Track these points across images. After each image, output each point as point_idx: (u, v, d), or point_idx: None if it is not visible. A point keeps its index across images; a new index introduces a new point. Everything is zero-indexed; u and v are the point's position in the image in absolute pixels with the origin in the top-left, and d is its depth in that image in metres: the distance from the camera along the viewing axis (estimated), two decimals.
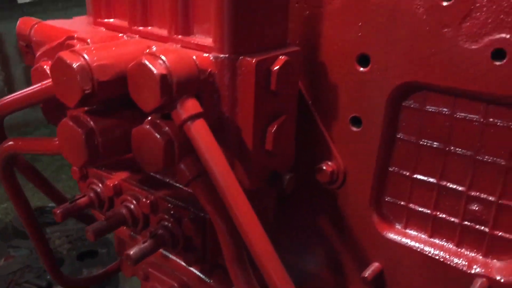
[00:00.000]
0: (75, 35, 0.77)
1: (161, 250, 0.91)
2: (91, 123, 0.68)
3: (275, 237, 0.67)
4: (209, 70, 0.69)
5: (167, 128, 0.68)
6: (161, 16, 0.76)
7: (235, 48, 0.68)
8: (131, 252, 0.72)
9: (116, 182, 0.83)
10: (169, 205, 0.77)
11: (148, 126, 0.67)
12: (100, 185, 0.85)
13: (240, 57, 0.68)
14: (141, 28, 0.77)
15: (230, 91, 0.70)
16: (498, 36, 0.62)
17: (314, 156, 0.85)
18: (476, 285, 0.72)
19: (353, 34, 0.75)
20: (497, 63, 0.63)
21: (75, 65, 0.63)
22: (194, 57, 0.68)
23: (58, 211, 0.81)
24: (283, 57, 0.70)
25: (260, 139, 0.73)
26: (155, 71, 0.63)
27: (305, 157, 0.86)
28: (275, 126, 0.73)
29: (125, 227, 0.91)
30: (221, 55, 0.68)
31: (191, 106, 0.65)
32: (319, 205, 0.88)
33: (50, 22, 0.87)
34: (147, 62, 0.63)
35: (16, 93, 0.81)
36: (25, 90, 0.79)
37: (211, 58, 0.69)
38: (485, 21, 0.63)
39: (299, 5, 0.79)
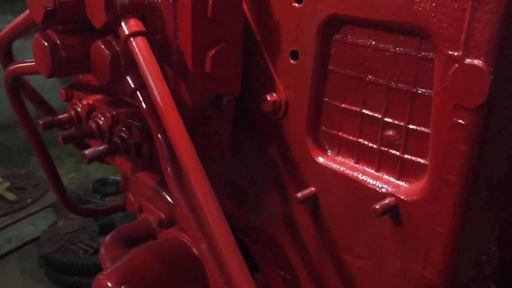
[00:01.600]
0: None
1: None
2: (57, 39, 0.82)
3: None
4: None
5: (115, 45, 0.80)
6: None
7: None
8: (86, 152, 0.85)
9: (90, 102, 0.97)
10: (125, 118, 0.90)
11: (100, 42, 0.80)
12: (79, 104, 0.99)
13: None
14: None
15: (172, 16, 0.81)
16: None
17: (262, 87, 0.94)
18: (383, 202, 0.79)
19: None
20: None
21: None
22: None
23: (40, 122, 0.96)
24: None
25: (200, 62, 0.83)
26: None
27: (254, 88, 0.95)
28: (214, 51, 0.83)
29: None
30: None
31: (134, 24, 0.77)
32: (265, 134, 0.98)
33: None
34: None
35: (11, 22, 0.97)
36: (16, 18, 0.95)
37: None
38: None
39: None
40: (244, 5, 0.92)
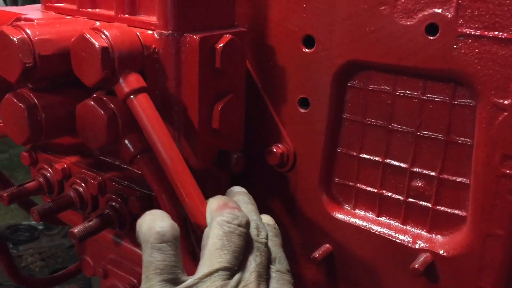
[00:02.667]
0: (23, 16, 0.77)
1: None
2: (34, 99, 0.68)
3: None
4: (154, 46, 0.69)
5: (111, 104, 0.68)
6: None
7: (179, 25, 0.69)
8: (75, 230, 0.71)
9: (65, 166, 0.82)
10: (116, 185, 0.77)
11: (91, 101, 0.68)
12: (50, 169, 0.84)
13: (184, 34, 0.69)
14: (89, 10, 0.78)
15: (175, 68, 0.70)
16: (430, 11, 0.65)
17: (266, 139, 0.86)
18: (420, 259, 0.73)
19: (298, 16, 0.77)
20: (431, 37, 0.65)
21: (16, 39, 0.64)
22: (138, 33, 0.69)
23: (4, 194, 0.80)
24: (228, 36, 0.71)
25: (206, 117, 0.73)
26: (96, 44, 0.63)
27: (257, 140, 0.87)
28: (222, 104, 0.74)
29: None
30: (165, 32, 0.69)
31: (134, 80, 0.66)
32: (271, 188, 0.89)
33: (8, 8, 0.87)
34: (88, 36, 0.64)
35: None
36: None
37: (155, 35, 0.69)
38: None
39: None
40: None
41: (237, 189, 0.67)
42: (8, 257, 1.13)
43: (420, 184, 0.75)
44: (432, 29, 0.65)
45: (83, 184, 0.79)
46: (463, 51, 0.64)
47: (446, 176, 0.72)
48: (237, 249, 0.55)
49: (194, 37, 0.68)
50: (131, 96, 0.65)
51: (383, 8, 0.68)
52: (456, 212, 0.72)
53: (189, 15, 0.70)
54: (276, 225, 0.67)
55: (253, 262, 0.56)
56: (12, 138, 0.70)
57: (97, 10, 0.78)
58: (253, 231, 0.59)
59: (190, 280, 0.53)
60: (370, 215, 0.81)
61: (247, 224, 0.58)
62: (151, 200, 0.74)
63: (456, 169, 0.71)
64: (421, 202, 0.75)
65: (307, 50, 0.77)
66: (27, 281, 1.27)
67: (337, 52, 0.74)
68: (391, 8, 0.68)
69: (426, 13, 0.65)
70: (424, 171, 0.74)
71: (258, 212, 0.64)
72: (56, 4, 0.83)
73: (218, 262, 0.54)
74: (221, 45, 0.70)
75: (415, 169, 0.75)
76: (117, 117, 0.68)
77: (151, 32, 0.69)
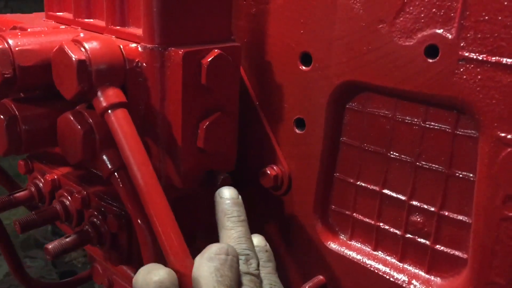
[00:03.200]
0: (18, 25, 0.77)
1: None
2: (15, 110, 0.67)
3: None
4: (137, 60, 0.67)
5: (89, 118, 0.66)
6: (102, 9, 0.75)
7: (164, 39, 0.66)
8: (50, 246, 0.69)
9: (55, 177, 0.81)
10: (99, 200, 0.75)
11: (69, 115, 0.66)
12: (42, 179, 0.83)
13: (169, 48, 0.66)
14: (84, 20, 0.77)
15: (158, 83, 0.67)
16: (430, 31, 0.59)
17: (261, 159, 0.81)
18: None
19: (295, 32, 0.72)
20: (430, 60, 0.59)
21: None
22: (121, 46, 0.66)
23: None
24: (216, 51, 0.68)
25: (190, 135, 0.70)
26: (73, 57, 0.61)
27: (252, 160, 0.82)
28: (208, 122, 0.70)
29: None
30: (149, 45, 0.66)
31: (112, 94, 0.63)
32: (265, 211, 0.84)
33: (8, 16, 0.87)
34: (66, 48, 0.62)
35: None
36: None
37: (139, 48, 0.67)
38: (418, 16, 0.59)
39: (246, 2, 0.77)
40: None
41: (225, 194, 0.62)
42: (16, 260, 1.14)
43: (419, 219, 0.68)
44: (432, 51, 0.59)
45: (69, 197, 0.78)
46: (464, 77, 0.57)
47: (446, 213, 0.65)
48: (232, 282, 0.52)
49: (178, 51, 0.65)
50: (109, 111, 0.63)
51: (381, 26, 0.63)
52: (457, 253, 0.65)
53: (176, 28, 0.66)
54: (268, 246, 0.63)
55: None
56: None
57: (92, 20, 0.76)
58: (242, 266, 0.55)
59: None
60: (366, 248, 0.75)
61: (236, 254, 0.54)
62: (130, 220, 0.71)
63: (458, 206, 0.64)
64: (419, 239, 0.69)
65: (304, 68, 0.73)
66: (36, 284, 1.27)
67: (334, 72, 0.69)
68: (390, 26, 0.62)
69: (426, 33, 0.59)
70: (424, 206, 0.67)
71: (248, 232, 0.60)
72: (56, 13, 0.82)
73: None
74: (208, 60, 0.67)
75: (413, 203, 0.68)
76: (95, 132, 0.65)
77: (135, 45, 0.67)
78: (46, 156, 0.87)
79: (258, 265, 0.57)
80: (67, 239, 0.71)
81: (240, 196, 0.63)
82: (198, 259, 0.54)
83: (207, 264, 0.52)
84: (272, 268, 0.60)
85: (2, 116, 0.66)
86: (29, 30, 0.75)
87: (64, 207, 0.78)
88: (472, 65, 0.56)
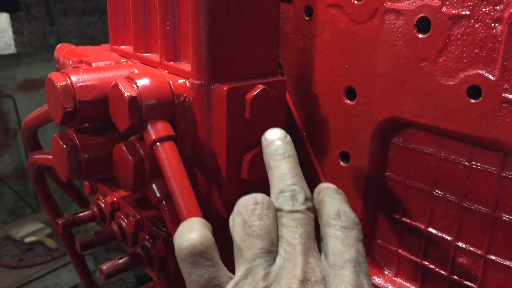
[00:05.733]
0: (84, 59, 0.84)
1: None
2: (76, 140, 0.73)
3: None
4: (185, 95, 0.70)
5: (140, 149, 0.70)
6: (158, 44, 0.80)
7: (211, 75, 0.69)
8: (104, 267, 0.74)
9: (114, 199, 0.87)
10: (151, 225, 0.79)
11: (123, 146, 0.71)
12: (104, 200, 0.90)
13: (215, 84, 0.69)
14: (143, 54, 0.82)
15: (205, 117, 0.71)
16: (473, 71, 0.57)
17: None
18: None
19: (340, 66, 0.72)
20: (473, 101, 0.57)
21: (58, 85, 0.69)
22: (170, 82, 0.70)
23: (59, 222, 0.87)
24: (260, 86, 0.70)
25: (235, 167, 0.72)
26: (125, 93, 0.66)
27: None
28: (252, 154, 0.72)
29: None
30: (196, 81, 0.69)
31: (161, 128, 0.67)
32: None
33: (78, 48, 0.95)
34: (119, 85, 0.67)
35: (37, 110, 0.90)
36: (42, 107, 0.88)
37: (187, 84, 0.70)
38: (460, 55, 0.58)
39: (295, 36, 0.79)
40: (288, 97, 0.81)
41: (270, 135, 0.58)
42: (84, 269, 1.22)
43: (465, 261, 0.66)
44: (474, 91, 0.57)
45: (125, 220, 0.83)
46: (508, 120, 0.55)
47: (493, 257, 0.62)
48: (264, 230, 0.48)
49: (223, 87, 0.68)
50: (157, 144, 0.67)
51: (423, 64, 0.62)
52: None
53: (223, 65, 0.69)
54: (334, 186, 0.56)
55: (293, 235, 0.48)
56: (58, 173, 0.76)
57: (149, 55, 0.81)
58: (287, 202, 0.50)
59: (230, 285, 0.47)
60: (411, 286, 0.73)
61: (267, 201, 0.50)
62: None
63: (505, 251, 0.61)
64: (466, 282, 0.66)
65: (349, 102, 0.73)
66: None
67: (377, 107, 0.69)
68: (432, 65, 0.61)
69: (468, 73, 0.57)
70: (470, 248, 0.65)
71: (294, 167, 0.54)
72: (120, 47, 0.89)
73: (250, 252, 0.47)
74: (252, 95, 0.69)
75: (459, 244, 0.66)
76: (145, 163, 0.70)
77: (183, 81, 0.71)
78: (109, 179, 0.93)
79: (306, 199, 0.51)
80: (120, 261, 0.76)
81: (288, 136, 0.58)
82: (231, 215, 0.52)
83: (236, 220, 0.50)
84: (342, 199, 0.54)
85: (64, 146, 0.72)
86: (93, 64, 0.81)
87: (121, 228, 0.83)
88: None
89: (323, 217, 0.52)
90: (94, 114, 0.72)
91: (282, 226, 0.49)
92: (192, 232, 0.49)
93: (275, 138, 0.57)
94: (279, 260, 0.47)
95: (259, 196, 0.51)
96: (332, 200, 0.53)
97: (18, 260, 4.04)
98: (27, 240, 4.28)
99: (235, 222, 0.50)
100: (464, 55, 0.57)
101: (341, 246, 0.48)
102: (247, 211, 0.49)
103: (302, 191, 0.52)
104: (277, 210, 0.50)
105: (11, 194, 5.19)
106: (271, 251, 0.48)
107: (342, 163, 0.76)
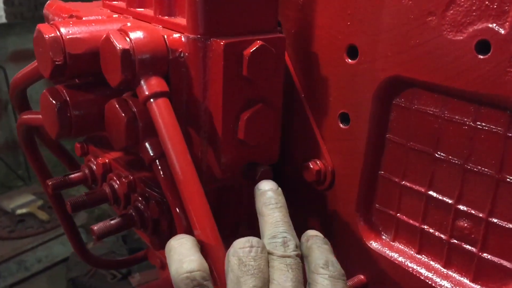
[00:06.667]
0: (75, 14, 0.80)
1: None
2: (66, 96, 0.70)
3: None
4: (180, 50, 0.68)
5: (133, 106, 0.68)
6: None
7: (207, 29, 0.66)
8: (95, 228, 0.72)
9: (106, 161, 0.84)
10: (144, 186, 0.77)
11: (115, 102, 0.68)
12: (95, 162, 0.87)
13: (211, 39, 0.66)
14: (136, 9, 0.78)
15: (200, 74, 0.68)
16: (482, 25, 0.54)
17: (305, 153, 0.80)
18: None
19: (342, 24, 0.70)
20: (481, 56, 0.55)
21: (47, 37, 0.66)
22: (165, 36, 0.67)
23: (49, 183, 0.84)
24: (258, 42, 0.67)
25: (231, 127, 0.70)
26: (117, 46, 0.63)
27: (296, 154, 0.81)
28: (249, 114, 0.69)
29: None
30: (192, 36, 0.66)
31: (155, 84, 0.65)
32: (307, 206, 0.83)
33: (69, 4, 0.91)
34: (111, 37, 0.64)
35: (26, 67, 0.86)
36: (31, 64, 0.84)
37: (183, 38, 0.67)
38: (469, 9, 0.55)
39: None
40: (287, 57, 0.78)
41: (263, 186, 0.62)
42: (77, 237, 1.20)
43: (466, 224, 0.64)
44: (483, 46, 0.55)
45: (117, 181, 0.81)
46: None
47: (495, 220, 0.61)
48: (258, 270, 0.52)
49: (220, 42, 0.65)
50: (151, 100, 0.64)
51: (430, 19, 0.59)
52: (505, 263, 0.61)
53: (219, 19, 0.66)
54: (322, 236, 0.61)
55: (284, 278, 0.52)
56: (47, 130, 0.73)
57: (142, 10, 0.78)
58: (279, 248, 0.55)
59: None
60: (409, 250, 0.72)
61: (261, 244, 0.55)
62: (169, 206, 0.72)
63: (508, 213, 0.60)
64: (466, 246, 0.65)
65: (350, 61, 0.70)
66: (95, 260, 1.34)
67: (380, 66, 0.66)
68: (439, 19, 0.58)
69: (477, 27, 0.55)
70: (471, 211, 0.63)
71: (285, 217, 0.59)
72: (112, 2, 0.85)
73: None
74: (250, 51, 0.66)
75: (460, 207, 0.64)
76: (138, 120, 0.67)
77: (178, 35, 0.68)
78: (101, 140, 0.91)
79: (296, 246, 0.56)
80: (112, 222, 0.74)
81: (279, 188, 0.63)
82: (227, 254, 0.55)
83: (232, 258, 0.53)
84: (328, 249, 0.58)
85: (54, 101, 0.69)
86: (84, 19, 0.78)
87: (113, 190, 0.81)
88: None
89: (311, 265, 0.55)
90: (84, 68, 0.69)
91: (273, 269, 0.53)
92: (192, 263, 0.53)
93: (268, 189, 0.62)
94: None
95: (254, 240, 0.54)
96: (320, 249, 0.57)
97: (9, 232, 4.02)
98: (19, 211, 4.26)
99: (231, 261, 0.53)
100: (474, 7, 0.55)
101: None
102: (243, 252, 0.53)
103: (293, 238, 0.56)
104: (269, 253, 0.54)
105: (2, 166, 5.15)
106: None
107: (341, 125, 0.74)
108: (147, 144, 0.68)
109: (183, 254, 0.55)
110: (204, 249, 0.58)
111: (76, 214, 3.47)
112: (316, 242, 0.58)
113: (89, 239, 3.95)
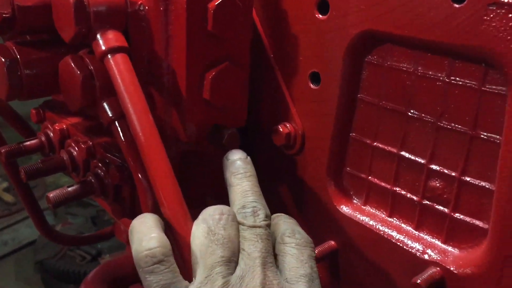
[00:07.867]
0: None
1: None
2: (17, 53, 0.65)
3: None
4: (140, 2, 0.63)
5: (90, 64, 0.63)
6: None
7: None
8: (51, 195, 0.68)
9: (64, 127, 0.80)
10: (103, 152, 0.72)
11: (69, 59, 0.63)
12: (52, 129, 0.82)
13: None
14: None
15: (162, 29, 0.64)
16: None
17: (274, 116, 0.77)
18: (425, 274, 0.61)
19: None
20: (457, 5, 0.53)
21: None
22: None
23: (2, 150, 0.79)
24: None
25: (196, 86, 0.66)
26: None
27: (265, 116, 0.78)
28: (214, 72, 0.66)
29: None
30: None
31: (112, 38, 0.60)
32: (277, 171, 0.80)
33: None
34: None
35: None
36: None
37: None
38: None
39: None
40: (254, 15, 0.74)
41: (232, 156, 0.61)
42: (37, 211, 1.15)
43: (438, 184, 0.63)
44: None
45: (76, 147, 0.76)
46: (494, 24, 0.50)
47: (468, 179, 0.59)
48: (227, 240, 0.51)
49: None
50: (108, 56, 0.60)
51: None
52: (477, 223, 0.60)
53: None
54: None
55: (253, 248, 0.51)
56: None
57: None
58: (249, 218, 0.54)
59: None
60: (380, 214, 0.70)
61: (232, 213, 0.54)
62: (131, 172, 0.68)
63: (480, 171, 0.58)
64: (437, 206, 0.63)
65: (321, 16, 0.67)
66: (58, 236, 1.29)
67: (352, 20, 0.63)
68: None
69: None
70: (444, 170, 0.61)
71: (255, 186, 0.58)
72: None
73: (211, 259, 0.49)
74: (215, 4, 0.62)
75: (433, 167, 0.62)
76: (95, 78, 0.63)
77: None
78: (58, 106, 0.86)
79: (266, 216, 0.55)
80: (69, 189, 0.70)
81: (248, 157, 0.62)
82: (194, 222, 0.53)
83: (200, 226, 0.52)
84: (294, 222, 0.59)
85: (3, 59, 0.64)
86: None
87: (71, 157, 0.76)
88: (504, 10, 0.49)
89: (278, 236, 0.55)
90: (35, 22, 0.64)
91: (243, 239, 0.52)
92: (151, 241, 0.50)
93: (236, 158, 0.61)
94: (238, 270, 0.50)
95: (225, 208, 0.53)
96: (286, 222, 0.57)
97: None
98: None
99: (199, 229, 0.52)
100: None
101: (295, 262, 0.52)
102: (213, 220, 0.52)
103: (263, 208, 0.55)
104: (239, 223, 0.53)
105: None
106: (231, 261, 0.50)
107: (312, 85, 0.71)
108: (105, 104, 0.64)
109: (143, 232, 0.52)
110: (169, 220, 0.55)
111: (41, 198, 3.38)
112: (281, 218, 0.58)
113: (57, 222, 3.87)
